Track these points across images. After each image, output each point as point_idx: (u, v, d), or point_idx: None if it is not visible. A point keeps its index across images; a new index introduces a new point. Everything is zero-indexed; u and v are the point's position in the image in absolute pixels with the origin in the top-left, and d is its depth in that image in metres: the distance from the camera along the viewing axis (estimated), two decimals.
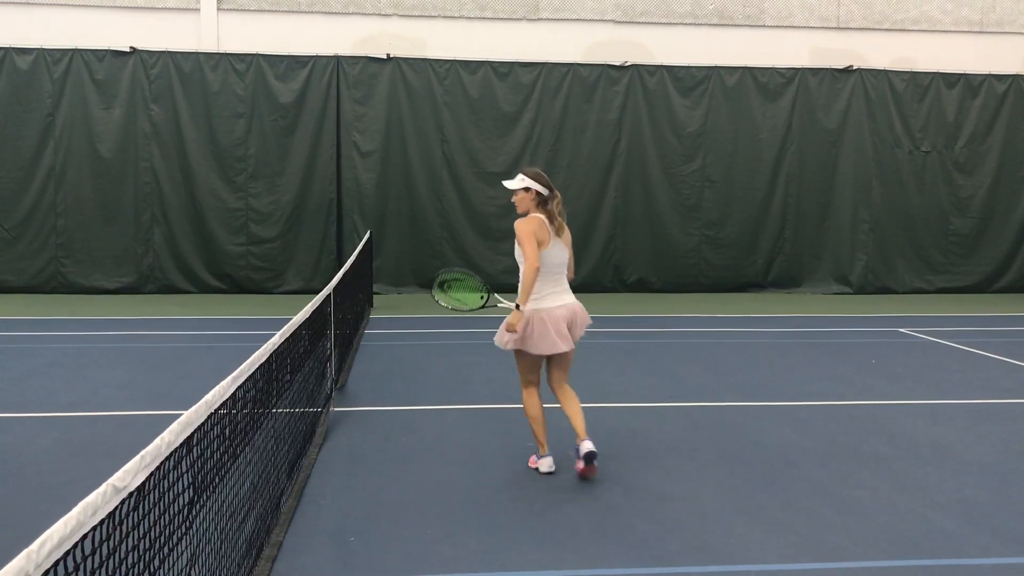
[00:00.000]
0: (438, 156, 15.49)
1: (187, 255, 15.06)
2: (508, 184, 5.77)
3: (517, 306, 5.54)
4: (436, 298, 6.77)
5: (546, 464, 5.79)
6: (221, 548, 3.60)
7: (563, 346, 5.62)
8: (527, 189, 5.65)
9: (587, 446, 5.57)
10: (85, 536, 2.07)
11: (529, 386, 5.84)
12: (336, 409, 7.37)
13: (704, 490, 5.58)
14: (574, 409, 5.79)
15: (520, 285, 5.56)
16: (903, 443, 6.70)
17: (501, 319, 5.82)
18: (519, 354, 5.73)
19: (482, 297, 6.55)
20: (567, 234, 5.79)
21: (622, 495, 5.45)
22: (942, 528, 4.98)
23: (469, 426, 7.04)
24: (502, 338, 5.69)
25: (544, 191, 5.64)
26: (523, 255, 5.54)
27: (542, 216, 5.63)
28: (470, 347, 10.46)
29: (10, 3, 14.82)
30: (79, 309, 13.20)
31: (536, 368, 5.80)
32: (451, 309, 6.86)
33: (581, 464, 5.60)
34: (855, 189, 16.26)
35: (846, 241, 16.37)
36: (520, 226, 5.58)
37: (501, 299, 6.13)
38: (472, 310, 6.70)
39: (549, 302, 5.64)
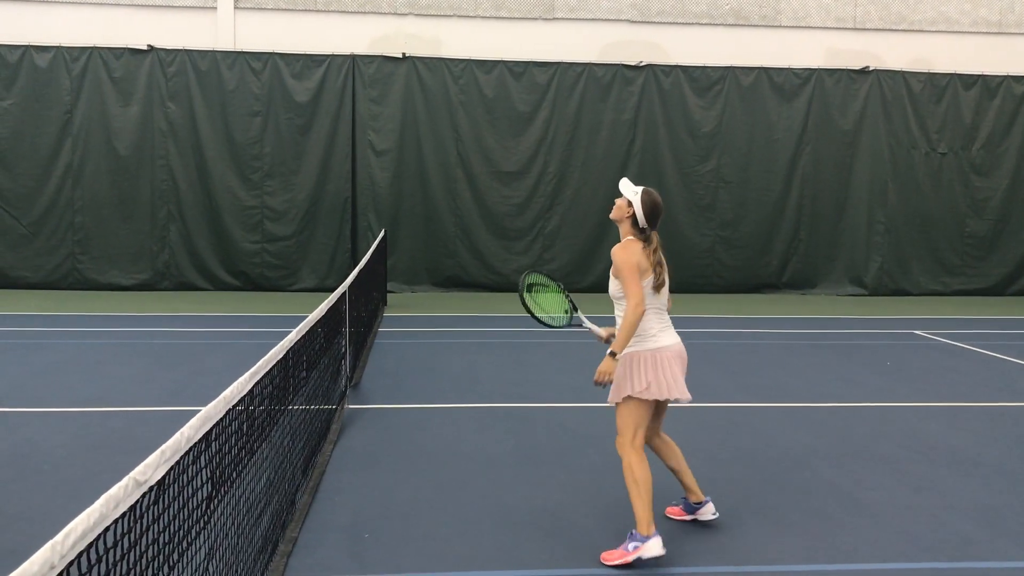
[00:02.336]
0: (453, 155, 15.52)
1: (203, 252, 15.15)
2: (622, 186, 4.85)
3: (613, 354, 4.56)
4: (527, 304, 5.22)
5: (657, 547, 4.45)
6: (238, 543, 3.63)
7: (687, 391, 4.73)
8: (629, 203, 4.75)
9: (712, 510, 4.97)
10: (107, 528, 2.09)
11: (638, 442, 4.66)
12: (350, 407, 7.40)
13: (718, 491, 5.57)
14: (682, 460, 5.01)
15: (621, 334, 4.57)
16: (918, 445, 6.67)
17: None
18: (632, 404, 4.64)
19: (566, 312, 5.27)
20: (667, 269, 4.81)
21: None
22: (958, 531, 4.96)
23: (482, 424, 7.05)
24: (627, 389, 4.63)
25: (642, 221, 4.70)
26: (625, 292, 4.60)
27: (642, 243, 4.70)
28: (483, 346, 10.48)
29: (29, 1, 14.93)
30: (95, 305, 13.29)
31: (649, 417, 4.73)
32: (540, 320, 5.24)
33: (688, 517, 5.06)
34: (871, 190, 16.20)
35: (861, 242, 16.31)
36: (619, 254, 4.64)
37: (586, 319, 5.11)
38: (552, 328, 5.30)
39: (667, 339, 4.72)
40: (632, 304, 4.53)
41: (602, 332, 4.99)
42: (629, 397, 4.62)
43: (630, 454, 4.62)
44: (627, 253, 4.65)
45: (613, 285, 4.76)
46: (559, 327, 5.25)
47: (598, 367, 4.57)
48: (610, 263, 4.76)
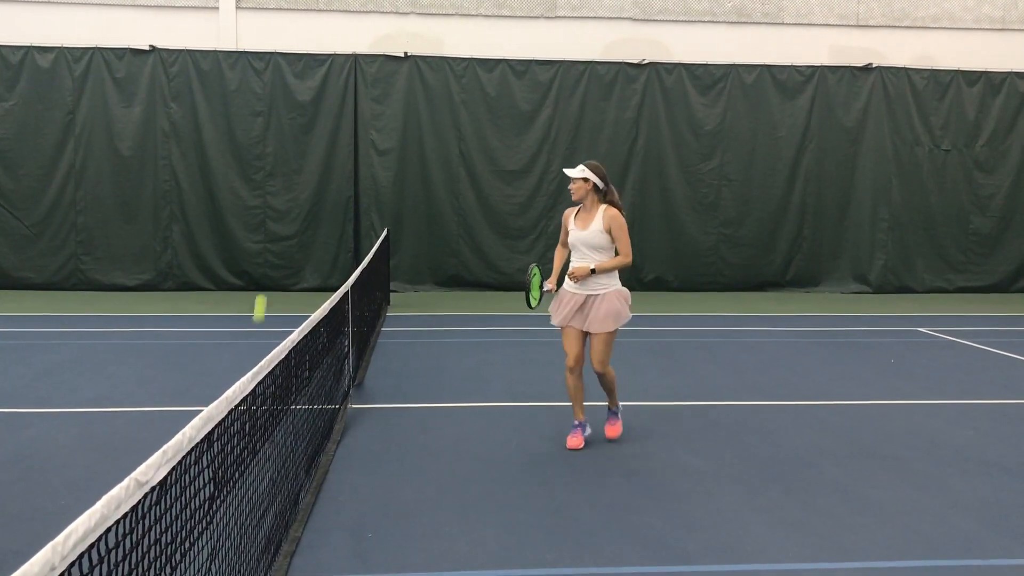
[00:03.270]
0: (455, 154, 15.50)
1: (205, 252, 15.15)
2: (569, 172, 6.15)
3: (594, 270, 6.06)
4: (531, 294, 6.52)
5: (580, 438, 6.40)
6: (241, 543, 3.62)
7: None
8: (586, 180, 6.08)
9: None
10: (109, 529, 2.08)
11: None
12: (353, 406, 7.39)
13: (722, 489, 5.56)
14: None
15: (609, 263, 6.10)
16: (922, 444, 6.65)
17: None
18: (615, 331, 6.20)
19: (535, 298, 6.50)
20: None
21: (640, 493, 5.44)
22: (962, 529, 4.95)
23: (486, 424, 7.04)
24: (623, 319, 6.18)
25: (600, 184, 6.12)
26: (621, 248, 6.11)
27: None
28: (487, 345, 10.48)
29: (31, 2, 14.93)
30: (99, 306, 13.30)
31: None
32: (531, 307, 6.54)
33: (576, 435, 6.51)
34: (874, 188, 16.16)
35: (865, 240, 16.28)
36: (619, 219, 6.12)
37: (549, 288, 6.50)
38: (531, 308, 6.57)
39: None
40: (630, 256, 6.17)
41: (549, 285, 6.40)
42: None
43: (611, 370, 6.33)
44: (622, 218, 6.13)
45: (599, 237, 6.08)
46: (534, 306, 6.52)
47: (577, 271, 6.10)
48: None
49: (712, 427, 7.03)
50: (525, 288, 6.47)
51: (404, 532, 4.78)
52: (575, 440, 6.36)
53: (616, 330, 6.16)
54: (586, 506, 5.22)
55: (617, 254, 6.16)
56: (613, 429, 6.52)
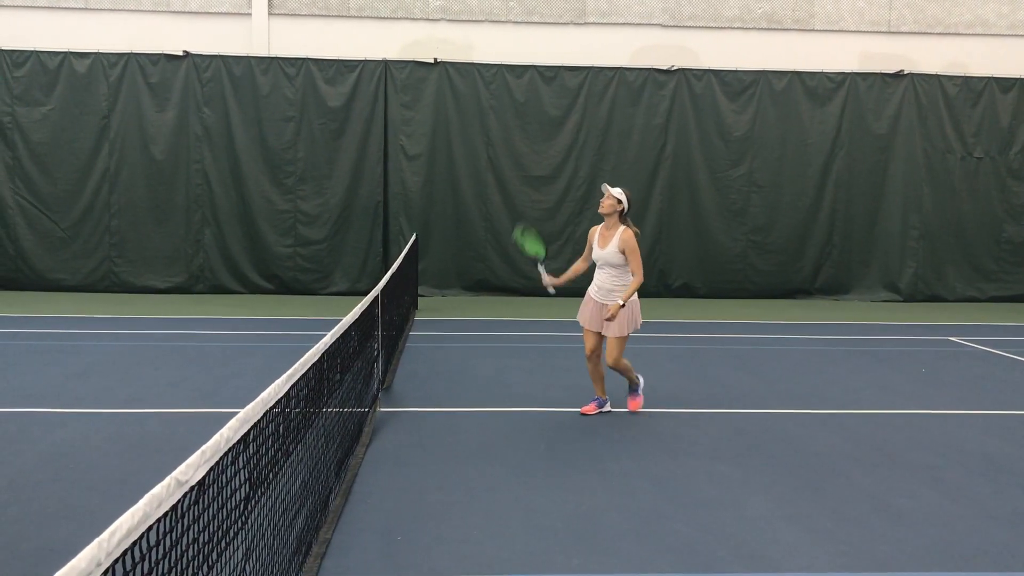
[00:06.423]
0: (483, 160, 15.56)
1: (236, 256, 15.30)
2: (613, 191, 7.02)
3: (623, 305, 6.88)
4: (521, 237, 7.64)
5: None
6: (274, 544, 3.66)
7: None
8: (619, 201, 6.98)
9: (609, 403, 7.63)
10: (150, 527, 2.13)
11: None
12: (382, 409, 7.44)
13: (750, 496, 5.54)
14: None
15: (628, 287, 6.95)
16: (954, 454, 6.59)
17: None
18: (627, 335, 7.07)
19: (538, 255, 7.51)
20: None
21: (667, 500, 5.44)
22: (995, 540, 4.90)
23: (514, 428, 7.06)
24: (632, 326, 7.05)
25: (627, 208, 7.08)
26: (633, 267, 6.95)
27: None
28: (514, 350, 10.49)
29: (69, 9, 15.18)
30: (131, 308, 13.46)
31: None
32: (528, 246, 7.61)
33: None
34: (905, 195, 16.03)
35: (896, 248, 16.14)
36: (633, 240, 6.94)
37: (542, 268, 7.45)
38: (527, 254, 7.65)
39: None
40: (641, 275, 6.95)
41: (548, 279, 7.35)
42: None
43: (623, 361, 7.23)
44: (636, 240, 6.97)
45: (616, 257, 6.94)
46: (527, 255, 7.60)
47: (611, 310, 6.86)
48: (643, 264, 7.05)
49: (740, 434, 7.01)
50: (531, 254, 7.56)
51: (433, 535, 4.81)
52: (587, 408, 7.43)
53: (628, 335, 7.04)
54: (614, 512, 5.22)
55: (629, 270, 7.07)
56: (635, 403, 7.51)
